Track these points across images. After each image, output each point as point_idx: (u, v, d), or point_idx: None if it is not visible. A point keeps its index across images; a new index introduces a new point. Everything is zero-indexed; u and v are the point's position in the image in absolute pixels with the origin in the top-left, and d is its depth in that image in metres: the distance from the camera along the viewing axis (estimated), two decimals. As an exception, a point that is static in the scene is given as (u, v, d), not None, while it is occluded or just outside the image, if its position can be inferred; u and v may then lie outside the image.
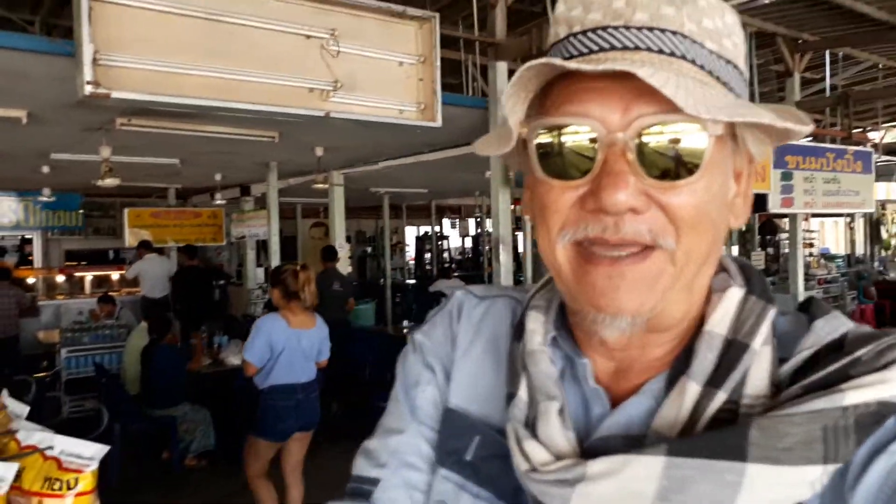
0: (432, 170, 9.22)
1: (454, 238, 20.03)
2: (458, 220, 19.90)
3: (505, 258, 5.10)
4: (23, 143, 6.67)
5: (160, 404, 5.63)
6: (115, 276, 12.04)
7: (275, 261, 9.27)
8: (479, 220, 17.60)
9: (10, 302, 8.32)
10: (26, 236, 12.76)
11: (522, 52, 5.10)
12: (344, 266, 9.83)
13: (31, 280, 11.38)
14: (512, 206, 5.59)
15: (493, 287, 0.86)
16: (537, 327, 0.70)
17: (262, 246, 11.12)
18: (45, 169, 8.07)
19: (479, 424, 0.73)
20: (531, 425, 0.64)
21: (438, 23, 4.47)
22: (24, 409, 1.54)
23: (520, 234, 11.50)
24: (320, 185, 8.37)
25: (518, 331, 0.73)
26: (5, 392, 1.64)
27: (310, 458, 4.25)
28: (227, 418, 5.81)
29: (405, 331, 7.26)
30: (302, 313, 4.08)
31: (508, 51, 5.15)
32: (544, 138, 0.61)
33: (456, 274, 14.08)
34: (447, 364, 0.78)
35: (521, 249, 5.67)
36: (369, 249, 18.13)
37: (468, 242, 20.05)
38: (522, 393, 0.67)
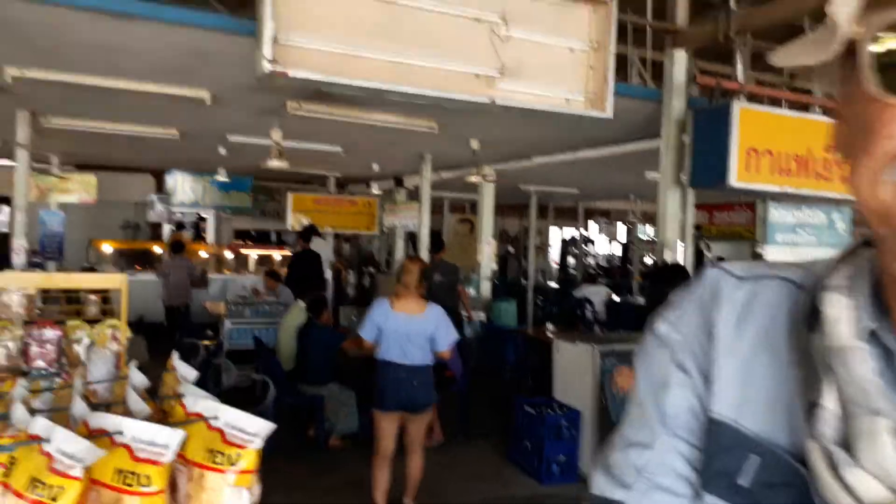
0: (588, 168, 8.87)
1: (601, 243, 19.38)
2: (606, 223, 19.22)
3: (670, 264, 4.72)
4: (204, 124, 7.18)
5: (311, 382, 5.81)
6: (277, 256, 12.78)
7: (423, 252, 9.35)
8: (630, 225, 16.87)
9: (183, 273, 9.06)
10: (201, 214, 13.91)
11: (706, 39, 4.67)
12: (488, 264, 9.75)
13: (203, 254, 12.36)
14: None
15: (757, 264, 0.67)
16: (843, 315, 0.54)
17: (411, 238, 11.32)
18: (222, 151, 8.68)
19: (758, 441, 0.58)
20: (846, 447, 0.50)
21: (616, 7, 4.19)
22: (193, 374, 1.51)
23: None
24: (473, 179, 8.32)
25: (810, 319, 0.57)
26: (175, 355, 1.63)
27: (444, 451, 4.20)
28: (371, 402, 5.88)
29: (549, 334, 7.01)
30: (407, 298, 4.33)
31: (690, 38, 4.74)
32: (891, 42, 0.48)
33: (602, 281, 13.58)
34: (704, 362, 0.63)
35: (681, 259, 5.22)
36: (511, 249, 17.97)
37: (616, 249, 19.31)
38: (830, 403, 0.53)
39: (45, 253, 10.34)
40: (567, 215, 17.28)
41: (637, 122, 5.84)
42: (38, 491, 0.99)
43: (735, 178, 4.87)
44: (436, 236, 9.67)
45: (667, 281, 4.27)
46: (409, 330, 4.27)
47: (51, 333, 3.74)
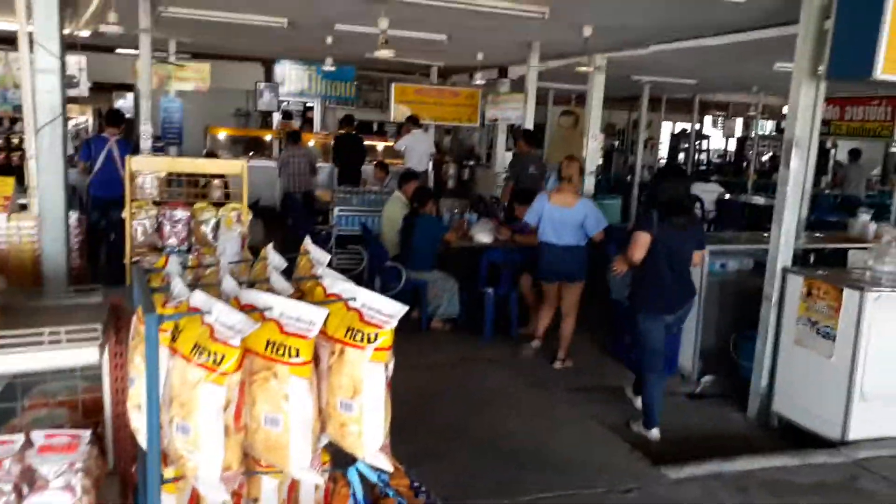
0: (710, 57, 8.23)
1: (715, 138, 18.27)
2: (723, 118, 18.02)
3: (797, 164, 4.37)
4: (313, 12, 7.15)
5: (415, 268, 6.02)
6: (379, 146, 12.92)
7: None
8: (749, 120, 15.74)
9: (304, 161, 9.46)
10: (308, 104, 14.16)
11: None
12: (593, 159, 9.44)
13: (310, 143, 12.69)
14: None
15: None
16: None
17: (512, 131, 11.08)
18: (329, 40, 8.67)
19: None
20: None
21: None
22: (326, 257, 1.58)
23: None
24: (583, 69, 7.93)
25: None
26: (308, 239, 1.71)
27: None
28: (471, 290, 6.06)
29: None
30: (563, 193, 5.35)
31: None
32: None
33: (714, 178, 12.90)
34: None
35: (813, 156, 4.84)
36: (616, 143, 17.27)
37: (731, 145, 18.18)
38: None
39: (167, 139, 10.96)
40: (680, 108, 16.31)
41: (771, 7, 5.30)
42: (202, 356, 1.09)
43: (881, 70, 4.38)
44: (535, 131, 9.43)
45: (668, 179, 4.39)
46: (559, 217, 5.28)
47: (181, 214, 4.02)
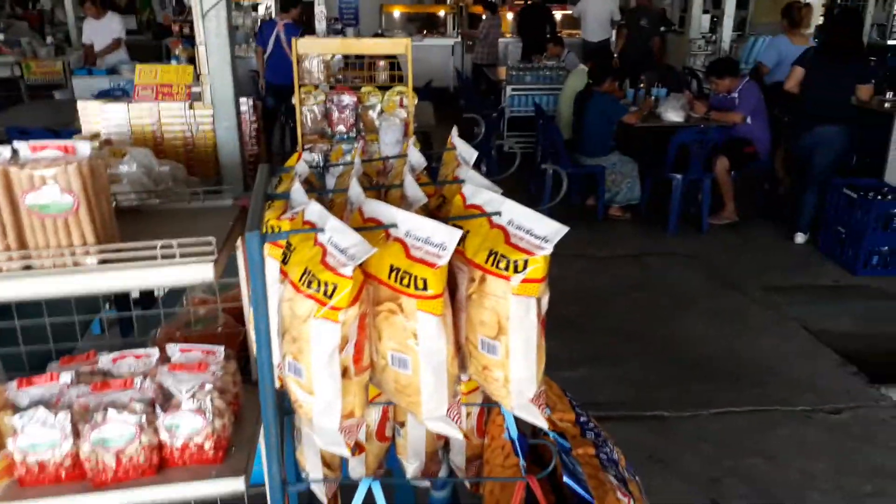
0: None
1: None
2: None
3: None
4: None
5: (589, 153, 5.55)
6: (557, 15, 11.95)
7: (729, 6, 7.92)
8: None
9: (496, 32, 9.21)
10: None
11: None
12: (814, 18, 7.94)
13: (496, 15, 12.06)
14: None
15: None
16: None
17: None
18: None
19: None
20: None
21: None
22: (473, 154, 1.31)
23: None
24: None
25: None
26: (455, 131, 1.44)
27: (736, 230, 3.64)
28: (656, 174, 5.50)
29: (886, 103, 5.62)
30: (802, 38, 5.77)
31: None
32: None
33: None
34: None
35: None
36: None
37: None
38: None
39: (344, 20, 10.98)
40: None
41: None
42: (312, 286, 0.90)
43: None
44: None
45: None
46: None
47: (348, 99, 3.91)
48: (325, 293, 0.88)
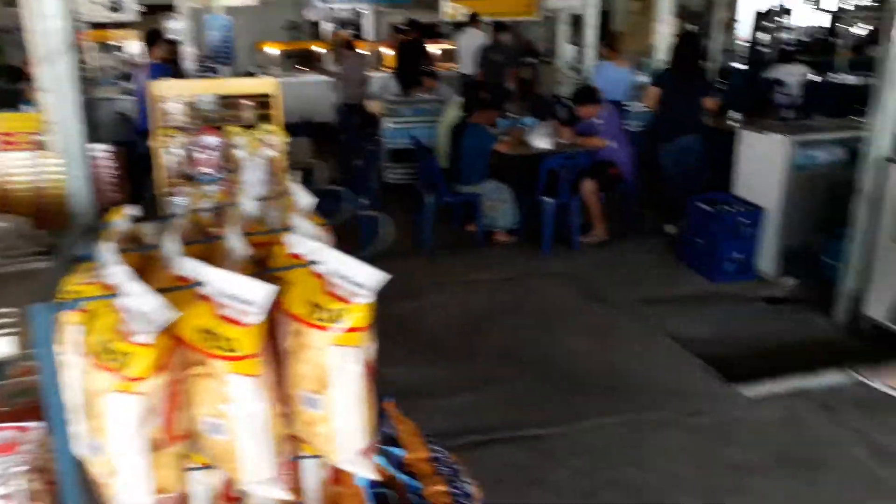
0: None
1: (800, 13, 16.43)
2: (813, -12, 16.13)
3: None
4: None
5: (465, 181, 5.67)
6: (435, 50, 12.23)
7: (590, 36, 8.41)
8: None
9: (359, 70, 9.06)
10: (358, 9, 13.49)
11: None
12: (662, 45, 8.60)
13: (360, 52, 12.15)
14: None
15: None
16: None
17: (576, 22, 10.20)
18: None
19: None
20: None
21: None
22: (308, 200, 1.29)
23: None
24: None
25: None
26: (295, 176, 1.43)
27: (607, 249, 3.84)
28: (530, 199, 5.70)
29: (732, 123, 6.15)
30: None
31: None
32: None
33: (800, 59, 11.63)
34: None
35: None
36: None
37: (820, 20, 16.36)
38: None
39: (217, 58, 10.70)
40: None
41: None
42: (107, 358, 0.85)
43: None
44: (602, 17, 8.66)
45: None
46: None
47: (212, 140, 3.80)
48: (121, 364, 0.83)
